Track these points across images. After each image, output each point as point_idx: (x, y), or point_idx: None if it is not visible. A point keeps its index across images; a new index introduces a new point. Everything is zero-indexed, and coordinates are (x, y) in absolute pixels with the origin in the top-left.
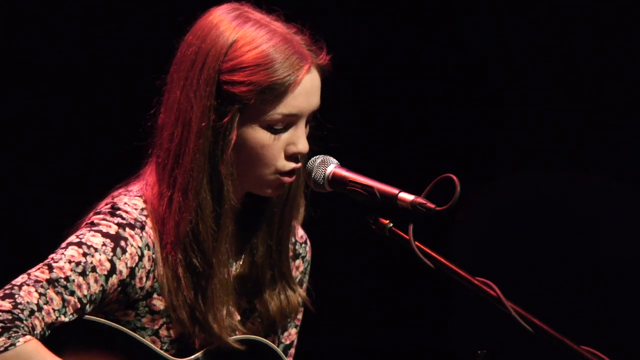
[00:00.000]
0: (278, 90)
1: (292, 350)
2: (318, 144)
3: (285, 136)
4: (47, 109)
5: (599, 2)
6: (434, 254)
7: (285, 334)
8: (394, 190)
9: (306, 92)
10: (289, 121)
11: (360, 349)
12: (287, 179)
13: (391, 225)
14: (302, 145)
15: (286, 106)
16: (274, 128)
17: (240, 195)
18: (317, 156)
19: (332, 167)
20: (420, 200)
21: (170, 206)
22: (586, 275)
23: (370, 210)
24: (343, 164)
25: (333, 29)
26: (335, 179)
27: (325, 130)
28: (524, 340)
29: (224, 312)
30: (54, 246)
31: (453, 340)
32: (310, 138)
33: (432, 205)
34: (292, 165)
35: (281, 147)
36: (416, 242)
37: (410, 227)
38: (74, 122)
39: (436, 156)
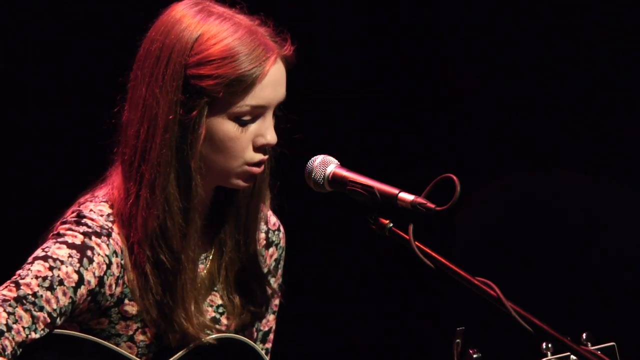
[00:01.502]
0: (245, 82)
1: (271, 336)
2: (288, 138)
3: (253, 128)
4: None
5: (598, 2)
6: (434, 254)
7: (264, 320)
8: (394, 190)
9: (273, 83)
10: (257, 113)
11: (360, 348)
12: (255, 170)
13: (391, 225)
14: (271, 137)
15: (254, 98)
16: (242, 120)
17: (209, 190)
18: (317, 156)
19: (332, 167)
20: (420, 200)
21: (138, 203)
22: (586, 275)
23: (370, 210)
24: (343, 164)
25: (333, 29)
26: (335, 179)
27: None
28: (524, 340)
29: (193, 308)
30: (23, 257)
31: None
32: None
33: (432, 205)
34: (260, 156)
35: (249, 139)
36: (416, 242)
37: (410, 227)
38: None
39: (436, 156)
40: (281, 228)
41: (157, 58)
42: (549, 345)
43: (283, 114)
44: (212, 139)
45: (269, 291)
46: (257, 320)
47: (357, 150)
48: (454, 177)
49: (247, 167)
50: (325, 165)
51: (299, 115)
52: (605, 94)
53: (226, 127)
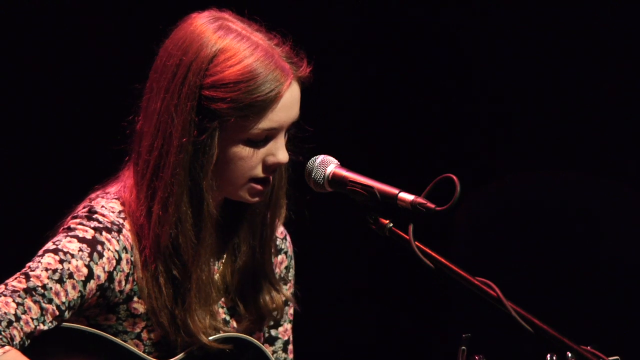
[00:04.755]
0: (259, 107)
1: (291, 347)
2: (302, 147)
3: (264, 149)
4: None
5: (599, 2)
6: (434, 254)
7: (281, 329)
8: (394, 190)
9: (286, 106)
10: (269, 134)
11: (361, 348)
12: (260, 187)
13: (391, 225)
14: (282, 156)
15: (266, 121)
16: (254, 142)
17: (218, 202)
18: (317, 156)
19: (332, 167)
20: (420, 200)
21: (150, 217)
22: (586, 275)
23: (370, 210)
24: (343, 164)
25: (333, 29)
26: (335, 179)
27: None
28: (524, 340)
29: (207, 316)
30: (32, 251)
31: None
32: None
33: (432, 205)
34: (265, 174)
35: (260, 159)
36: (416, 242)
37: (410, 227)
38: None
39: (436, 156)
40: (287, 237)
41: (173, 74)
42: (554, 357)
43: (297, 128)
44: (223, 160)
45: (282, 297)
46: (265, 324)
47: (357, 150)
48: (454, 177)
49: (251, 184)
50: (325, 165)
51: (300, 115)
52: (605, 94)
53: (238, 149)
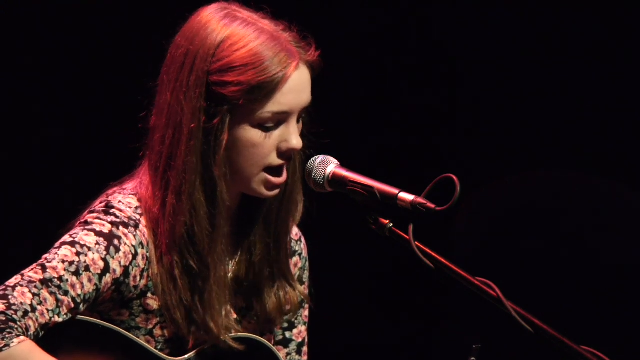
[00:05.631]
0: (267, 89)
1: (305, 348)
2: (316, 142)
3: (276, 133)
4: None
5: (599, 2)
6: (434, 254)
7: (295, 331)
8: (394, 190)
9: (295, 89)
10: (280, 119)
11: (360, 348)
12: (276, 180)
13: (391, 225)
14: (295, 141)
15: (275, 104)
16: (265, 126)
17: (234, 195)
18: (317, 156)
19: (332, 167)
20: (420, 200)
21: (164, 208)
22: (586, 275)
23: (370, 210)
24: (343, 164)
25: (333, 29)
26: (335, 179)
27: (320, 129)
28: (524, 340)
29: (222, 311)
30: (48, 246)
31: (450, 340)
32: (305, 136)
33: (432, 205)
34: (280, 161)
35: (273, 145)
36: (416, 242)
37: (410, 227)
38: (68, 124)
39: (436, 156)
40: (302, 238)
41: (181, 64)
42: None
43: (310, 119)
44: (235, 146)
45: (297, 295)
46: (277, 324)
47: (357, 150)
48: (454, 177)
49: (266, 175)
50: (325, 165)
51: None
52: (605, 94)
53: (249, 134)
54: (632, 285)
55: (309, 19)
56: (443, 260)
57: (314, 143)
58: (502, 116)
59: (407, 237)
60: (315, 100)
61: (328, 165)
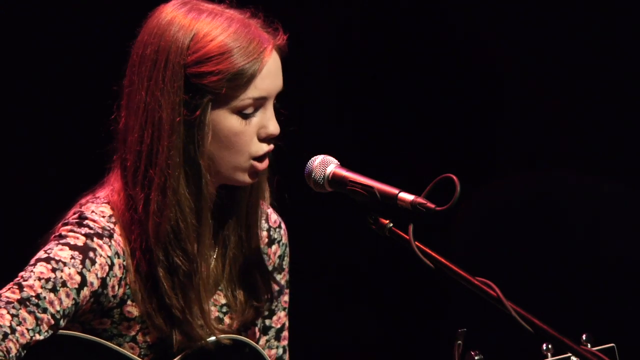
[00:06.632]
0: (246, 76)
1: (285, 333)
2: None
3: (255, 120)
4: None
5: (599, 2)
6: (434, 254)
7: (275, 318)
8: (394, 190)
9: (271, 73)
10: (258, 104)
11: (360, 348)
12: (260, 165)
13: (391, 225)
14: (273, 127)
15: (255, 90)
16: (244, 113)
17: (215, 188)
18: (317, 156)
19: (332, 167)
20: (420, 200)
21: (148, 208)
22: (586, 275)
23: (370, 210)
24: (343, 164)
25: (330, 24)
26: (335, 179)
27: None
28: (525, 341)
29: (205, 311)
30: (24, 258)
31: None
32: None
33: (432, 205)
34: (265, 148)
35: (254, 132)
36: (416, 242)
37: (410, 227)
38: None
39: (436, 156)
40: (282, 225)
41: (154, 62)
42: (549, 346)
43: (279, 105)
44: (217, 136)
45: (274, 287)
46: (259, 316)
47: (357, 150)
48: (454, 177)
49: (252, 162)
50: (325, 165)
51: (300, 114)
52: (605, 94)
53: (230, 122)
54: (632, 285)
55: (306, 16)
56: (443, 260)
57: (283, 134)
58: (502, 116)
59: (407, 237)
60: (315, 100)
61: (328, 165)
